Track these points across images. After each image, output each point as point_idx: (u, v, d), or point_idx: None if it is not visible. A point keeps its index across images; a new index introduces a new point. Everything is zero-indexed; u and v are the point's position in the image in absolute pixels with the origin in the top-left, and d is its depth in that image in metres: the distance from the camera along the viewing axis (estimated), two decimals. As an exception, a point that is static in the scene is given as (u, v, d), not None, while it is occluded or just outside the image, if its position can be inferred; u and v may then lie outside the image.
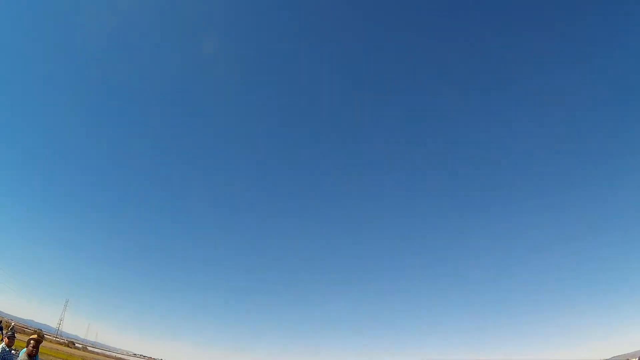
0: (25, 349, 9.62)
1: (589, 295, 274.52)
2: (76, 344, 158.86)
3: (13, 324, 49.69)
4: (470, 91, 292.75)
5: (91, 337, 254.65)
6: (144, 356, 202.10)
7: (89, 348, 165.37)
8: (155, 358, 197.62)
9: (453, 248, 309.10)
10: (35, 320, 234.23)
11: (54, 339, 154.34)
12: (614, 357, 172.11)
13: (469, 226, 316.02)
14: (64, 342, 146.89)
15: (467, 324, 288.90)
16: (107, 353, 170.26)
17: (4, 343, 11.22)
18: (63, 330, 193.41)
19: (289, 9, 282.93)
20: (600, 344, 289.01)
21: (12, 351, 10.89)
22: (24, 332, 65.34)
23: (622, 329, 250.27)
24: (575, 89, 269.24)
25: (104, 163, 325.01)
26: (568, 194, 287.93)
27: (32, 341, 9.60)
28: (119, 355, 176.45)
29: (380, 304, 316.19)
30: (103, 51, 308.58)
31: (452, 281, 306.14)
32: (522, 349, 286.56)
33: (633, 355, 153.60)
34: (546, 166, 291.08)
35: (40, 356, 10.38)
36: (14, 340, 11.45)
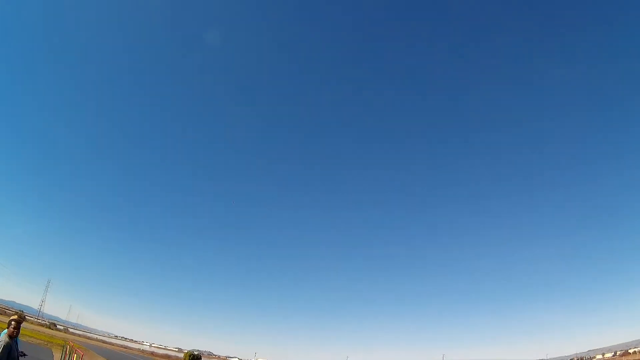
0: (6, 330, 9.40)
1: (568, 291, 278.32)
2: (57, 326, 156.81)
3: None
4: (467, 91, 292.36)
5: (73, 319, 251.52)
6: (125, 338, 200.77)
7: (70, 330, 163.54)
8: (137, 340, 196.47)
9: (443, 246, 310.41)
10: (17, 302, 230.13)
11: (36, 320, 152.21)
12: (590, 350, 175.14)
13: (466, 225, 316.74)
14: (45, 324, 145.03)
15: (464, 323, 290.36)
16: (89, 335, 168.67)
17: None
18: (44, 311, 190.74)
19: (289, 5, 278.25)
20: (575, 338, 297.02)
21: (-7, 332, 10.61)
22: (5, 314, 64.26)
23: (599, 324, 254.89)
24: (573, 88, 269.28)
25: (90, 150, 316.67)
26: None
27: (13, 322, 9.40)
28: (100, 337, 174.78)
29: (372, 302, 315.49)
30: (102, 49, 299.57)
31: (447, 280, 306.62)
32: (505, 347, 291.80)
33: (609, 349, 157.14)
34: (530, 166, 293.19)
35: (21, 337, 10.16)
36: (-6, 321, 11.16)
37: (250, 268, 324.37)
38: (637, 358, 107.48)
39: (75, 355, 25.15)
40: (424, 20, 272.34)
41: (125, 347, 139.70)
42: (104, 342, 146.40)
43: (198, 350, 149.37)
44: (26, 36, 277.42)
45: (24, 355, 10.35)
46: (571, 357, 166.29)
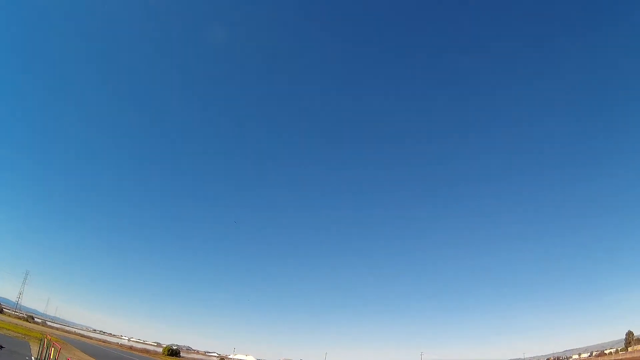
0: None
1: (546, 292, 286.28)
2: (35, 319, 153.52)
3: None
4: (467, 90, 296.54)
5: (51, 312, 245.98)
6: (104, 332, 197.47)
7: (48, 323, 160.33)
8: (115, 334, 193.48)
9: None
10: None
11: (13, 313, 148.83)
12: (566, 350, 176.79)
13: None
14: (23, 317, 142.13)
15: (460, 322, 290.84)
16: (67, 328, 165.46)
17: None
18: (22, 304, 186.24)
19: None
20: (553, 338, 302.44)
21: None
22: (-19, 306, 62.97)
23: (576, 325, 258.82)
24: (573, 87, 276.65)
25: (71, 146, 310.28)
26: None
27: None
28: (79, 331, 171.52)
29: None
30: (100, 48, 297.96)
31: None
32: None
33: (586, 350, 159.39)
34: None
35: None
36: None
37: (231, 265, 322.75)
38: (612, 358, 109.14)
39: (52, 348, 25.14)
40: (423, 22, 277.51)
41: (104, 341, 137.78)
42: (82, 335, 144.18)
43: (177, 344, 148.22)
44: (31, 30, 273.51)
45: (2, 347, 10.63)
46: (548, 357, 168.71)
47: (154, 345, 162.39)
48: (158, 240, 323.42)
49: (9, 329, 58.07)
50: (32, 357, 30.17)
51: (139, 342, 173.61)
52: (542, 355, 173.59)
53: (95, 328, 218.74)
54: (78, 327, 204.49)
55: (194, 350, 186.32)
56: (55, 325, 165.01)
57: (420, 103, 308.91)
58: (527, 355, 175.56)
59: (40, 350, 30.88)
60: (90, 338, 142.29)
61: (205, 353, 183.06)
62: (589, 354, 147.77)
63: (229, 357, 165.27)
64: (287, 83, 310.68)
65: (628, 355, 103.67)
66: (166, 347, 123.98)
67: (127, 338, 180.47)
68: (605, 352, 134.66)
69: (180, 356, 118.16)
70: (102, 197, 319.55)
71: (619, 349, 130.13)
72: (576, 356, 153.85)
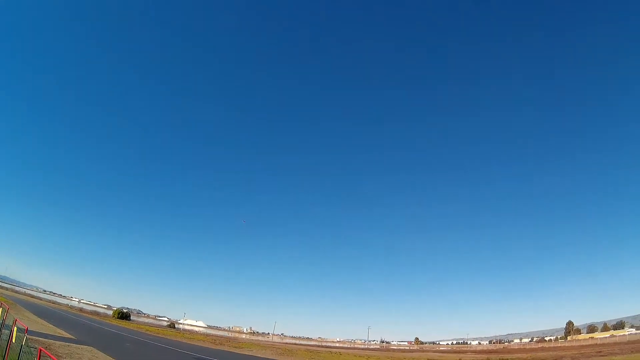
0: None
1: (492, 278, 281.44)
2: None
3: None
4: (468, 87, 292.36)
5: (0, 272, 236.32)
6: (54, 293, 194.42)
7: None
8: (65, 295, 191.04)
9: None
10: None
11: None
12: (509, 334, 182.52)
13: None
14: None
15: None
16: (16, 289, 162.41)
17: None
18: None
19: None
20: (496, 322, 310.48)
21: None
22: None
23: (520, 311, 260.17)
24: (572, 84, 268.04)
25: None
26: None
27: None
28: (29, 292, 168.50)
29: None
30: (97, 47, 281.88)
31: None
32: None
33: (527, 335, 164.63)
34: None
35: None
36: None
37: (182, 231, 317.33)
38: (552, 345, 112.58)
39: (1, 308, 26.98)
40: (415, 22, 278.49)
41: (54, 303, 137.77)
42: (31, 296, 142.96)
43: (127, 308, 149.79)
44: (33, 27, 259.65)
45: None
46: (491, 339, 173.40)
47: (104, 308, 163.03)
48: (111, 205, 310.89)
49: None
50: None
51: (89, 304, 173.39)
52: (485, 337, 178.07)
53: (45, 289, 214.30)
54: (28, 288, 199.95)
55: (145, 314, 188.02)
56: (4, 285, 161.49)
57: (419, 101, 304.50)
58: (471, 336, 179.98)
59: (-11, 309, 32.78)
60: (40, 299, 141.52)
61: (155, 317, 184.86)
62: (530, 339, 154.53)
63: (180, 322, 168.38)
64: (289, 79, 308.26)
65: (567, 344, 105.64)
66: (116, 310, 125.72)
67: (77, 300, 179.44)
68: (546, 339, 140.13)
69: (130, 319, 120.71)
70: (53, 156, 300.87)
71: (559, 337, 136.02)
72: (517, 340, 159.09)
